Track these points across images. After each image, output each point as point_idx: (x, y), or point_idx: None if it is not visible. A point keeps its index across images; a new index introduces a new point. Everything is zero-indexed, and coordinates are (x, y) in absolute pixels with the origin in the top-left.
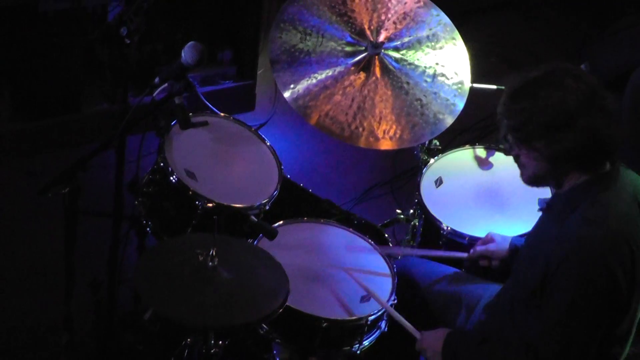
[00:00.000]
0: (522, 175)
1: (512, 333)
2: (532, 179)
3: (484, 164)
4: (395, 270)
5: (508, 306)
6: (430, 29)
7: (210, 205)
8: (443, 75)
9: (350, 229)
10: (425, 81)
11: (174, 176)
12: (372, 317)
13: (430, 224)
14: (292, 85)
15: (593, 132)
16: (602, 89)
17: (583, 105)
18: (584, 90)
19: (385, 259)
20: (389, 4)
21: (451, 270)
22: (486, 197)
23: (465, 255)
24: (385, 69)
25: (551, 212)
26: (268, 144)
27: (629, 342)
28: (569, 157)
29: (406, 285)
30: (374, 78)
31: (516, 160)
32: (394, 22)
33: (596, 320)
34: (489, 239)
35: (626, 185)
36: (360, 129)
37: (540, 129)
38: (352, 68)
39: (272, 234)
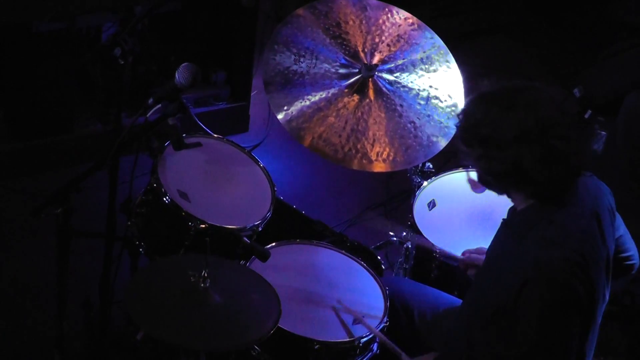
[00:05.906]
0: None
1: (464, 350)
2: (479, 180)
3: (477, 186)
4: (387, 293)
5: (465, 322)
6: (424, 52)
7: (203, 226)
8: (437, 97)
9: (343, 251)
10: (419, 104)
11: (167, 197)
12: (364, 339)
13: (423, 246)
14: (285, 107)
15: (519, 165)
16: (559, 126)
17: (520, 137)
18: (529, 122)
19: (377, 282)
20: (383, 27)
21: (444, 295)
22: (479, 220)
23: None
24: (378, 92)
25: (509, 229)
26: (261, 165)
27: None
28: (498, 176)
29: (398, 308)
30: (367, 100)
31: None
32: (388, 45)
33: (563, 338)
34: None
35: (586, 200)
36: (354, 151)
37: (479, 139)
38: (346, 90)
39: (264, 256)
